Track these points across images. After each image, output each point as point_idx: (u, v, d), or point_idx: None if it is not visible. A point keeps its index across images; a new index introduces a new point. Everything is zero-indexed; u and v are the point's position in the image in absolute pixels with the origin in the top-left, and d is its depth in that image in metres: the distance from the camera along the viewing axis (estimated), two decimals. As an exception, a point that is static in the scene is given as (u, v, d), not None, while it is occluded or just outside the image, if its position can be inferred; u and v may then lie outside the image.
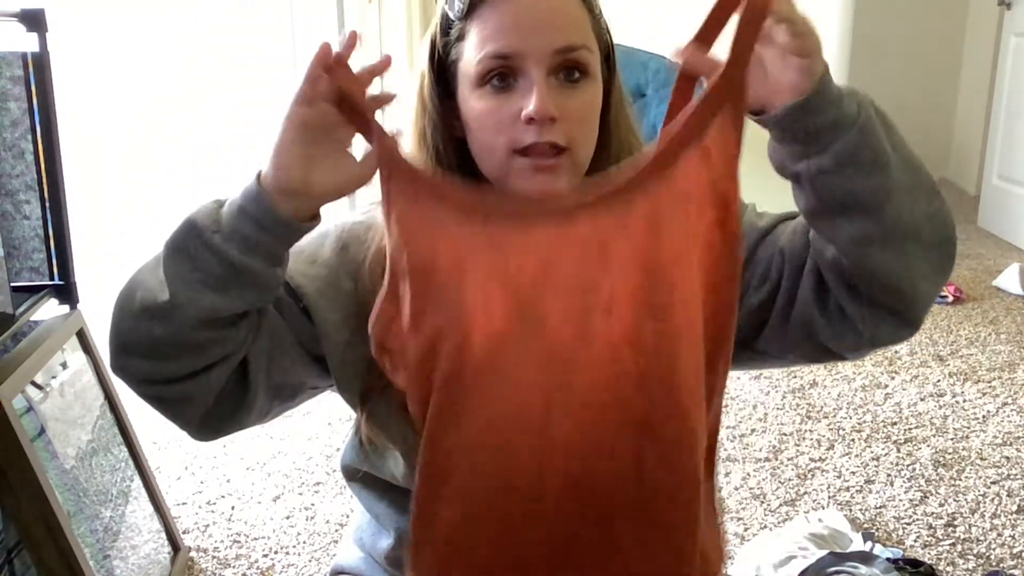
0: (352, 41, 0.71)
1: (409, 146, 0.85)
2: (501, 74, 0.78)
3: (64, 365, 1.41)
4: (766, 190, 0.95)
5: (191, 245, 0.72)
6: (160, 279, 0.73)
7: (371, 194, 0.75)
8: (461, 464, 0.75)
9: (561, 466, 0.74)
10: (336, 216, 0.87)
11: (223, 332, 0.74)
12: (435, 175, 0.78)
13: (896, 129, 0.76)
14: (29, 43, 1.34)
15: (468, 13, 0.79)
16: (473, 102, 0.80)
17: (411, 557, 0.78)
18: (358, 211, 0.90)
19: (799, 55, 0.70)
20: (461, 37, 0.81)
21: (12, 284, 1.31)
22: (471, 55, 0.79)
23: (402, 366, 0.74)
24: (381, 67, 0.73)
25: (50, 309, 1.44)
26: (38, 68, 1.35)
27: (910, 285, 0.77)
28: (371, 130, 0.71)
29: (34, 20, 1.33)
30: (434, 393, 0.74)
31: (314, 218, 0.74)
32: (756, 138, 0.76)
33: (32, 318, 1.37)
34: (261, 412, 0.82)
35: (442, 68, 0.84)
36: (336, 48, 0.70)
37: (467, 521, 0.76)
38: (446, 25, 0.82)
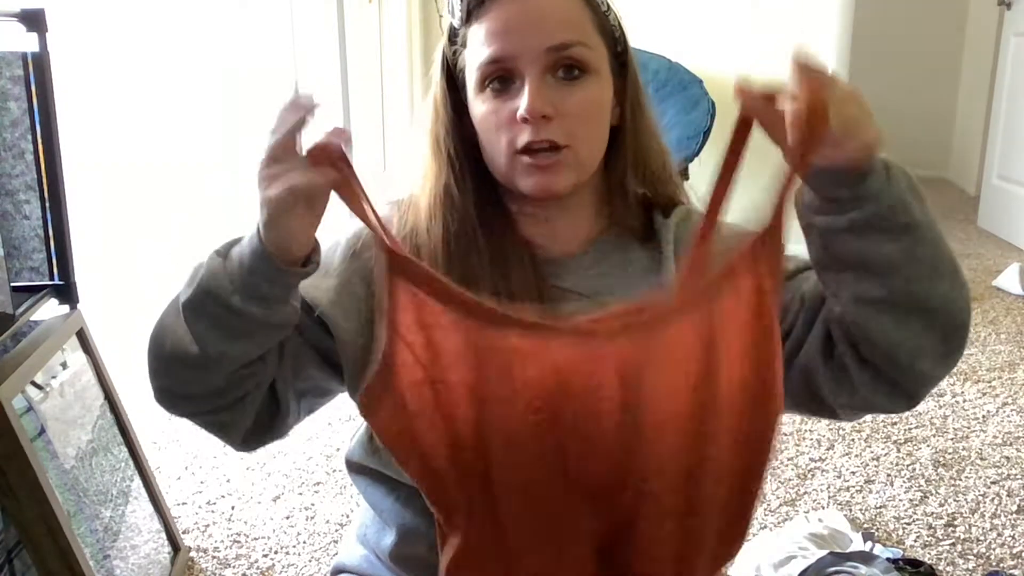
0: (345, 138, 0.71)
1: (424, 150, 0.87)
2: (500, 77, 0.80)
3: (64, 365, 1.41)
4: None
5: (212, 310, 0.74)
6: (186, 330, 0.75)
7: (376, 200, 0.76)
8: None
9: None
10: (343, 225, 0.89)
11: (255, 367, 0.77)
12: (438, 273, 0.76)
13: (927, 205, 0.73)
14: (29, 43, 1.34)
15: (467, 20, 0.82)
16: (477, 106, 0.83)
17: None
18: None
19: (861, 151, 0.68)
20: (464, 44, 0.84)
21: (12, 284, 1.31)
22: (472, 61, 0.82)
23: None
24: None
25: (50, 309, 1.44)
26: (38, 68, 1.35)
27: (907, 358, 0.75)
28: (374, 227, 0.72)
29: (34, 20, 1.33)
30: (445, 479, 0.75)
31: (314, 252, 0.75)
32: (761, 141, 0.75)
33: (32, 318, 1.36)
34: (296, 418, 0.86)
35: (453, 75, 0.87)
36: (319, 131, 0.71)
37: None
38: (452, 33, 0.86)
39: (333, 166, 0.69)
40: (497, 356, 0.72)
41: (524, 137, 0.79)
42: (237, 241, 0.75)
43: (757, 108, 0.69)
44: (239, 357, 0.75)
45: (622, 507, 0.76)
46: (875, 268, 0.72)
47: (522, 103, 0.78)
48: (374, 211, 0.72)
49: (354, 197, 0.71)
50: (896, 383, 0.77)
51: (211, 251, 0.76)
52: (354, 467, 0.99)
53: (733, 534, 0.80)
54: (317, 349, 0.84)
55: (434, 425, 0.73)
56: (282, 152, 0.69)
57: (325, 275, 0.84)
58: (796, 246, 0.84)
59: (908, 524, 1.74)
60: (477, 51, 0.81)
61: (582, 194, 0.87)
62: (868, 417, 2.20)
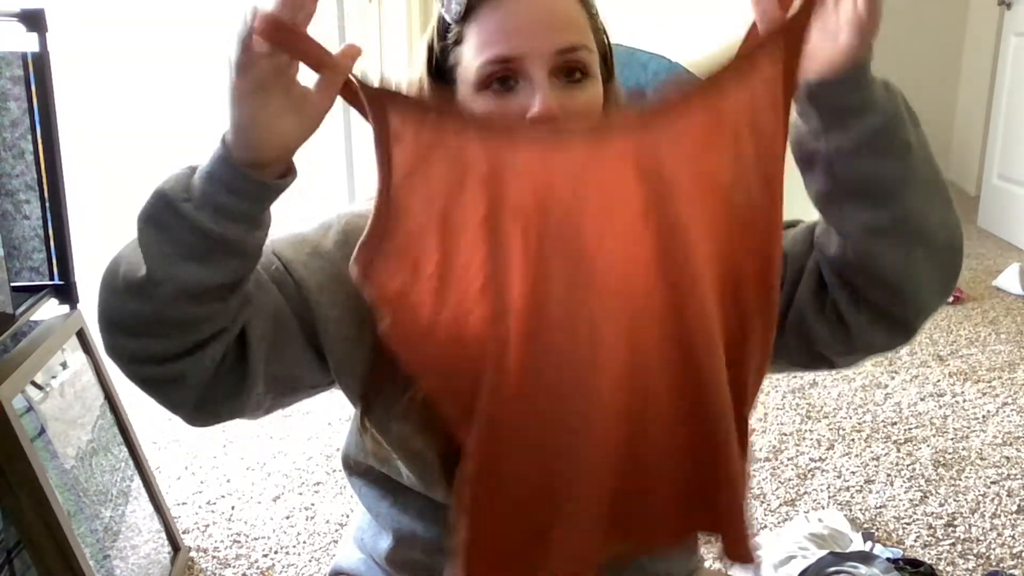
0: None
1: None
2: (503, 77, 0.77)
3: (64, 365, 1.41)
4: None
5: (162, 216, 0.68)
6: (137, 249, 0.70)
7: (371, 187, 0.74)
8: (510, 412, 0.75)
9: (608, 396, 0.76)
10: (337, 208, 0.87)
11: (211, 306, 0.70)
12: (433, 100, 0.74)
13: (921, 129, 0.75)
14: (29, 43, 1.34)
15: (465, 16, 0.79)
16: (475, 105, 0.79)
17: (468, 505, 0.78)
18: (359, 202, 0.89)
19: (859, 34, 0.70)
20: (459, 41, 0.80)
21: (12, 284, 1.31)
22: (470, 59, 0.78)
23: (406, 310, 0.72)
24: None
25: (50, 309, 1.44)
26: (38, 68, 1.35)
27: (912, 289, 0.76)
28: (348, 87, 0.68)
29: (34, 20, 1.33)
30: (465, 343, 0.73)
31: (287, 173, 0.71)
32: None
33: (32, 318, 1.36)
34: (258, 403, 0.80)
35: (440, 72, 0.82)
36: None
37: (521, 467, 0.77)
38: (443, 29, 0.81)
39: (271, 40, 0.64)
40: (513, 169, 0.70)
41: None
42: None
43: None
44: (189, 283, 0.68)
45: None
46: (879, 192, 0.73)
47: (535, 104, 0.76)
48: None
49: (308, 45, 0.66)
50: (895, 318, 0.78)
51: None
52: (350, 465, 0.98)
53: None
54: (301, 325, 0.80)
55: (445, 281, 0.70)
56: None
57: (315, 254, 0.81)
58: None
59: (908, 524, 1.74)
60: (477, 49, 0.78)
61: None
62: (868, 417, 2.20)
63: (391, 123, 0.69)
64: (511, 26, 0.77)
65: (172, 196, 0.68)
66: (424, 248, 0.71)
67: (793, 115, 0.75)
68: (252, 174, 0.67)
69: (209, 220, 0.67)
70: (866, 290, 0.76)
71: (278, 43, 0.64)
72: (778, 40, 0.72)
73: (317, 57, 0.66)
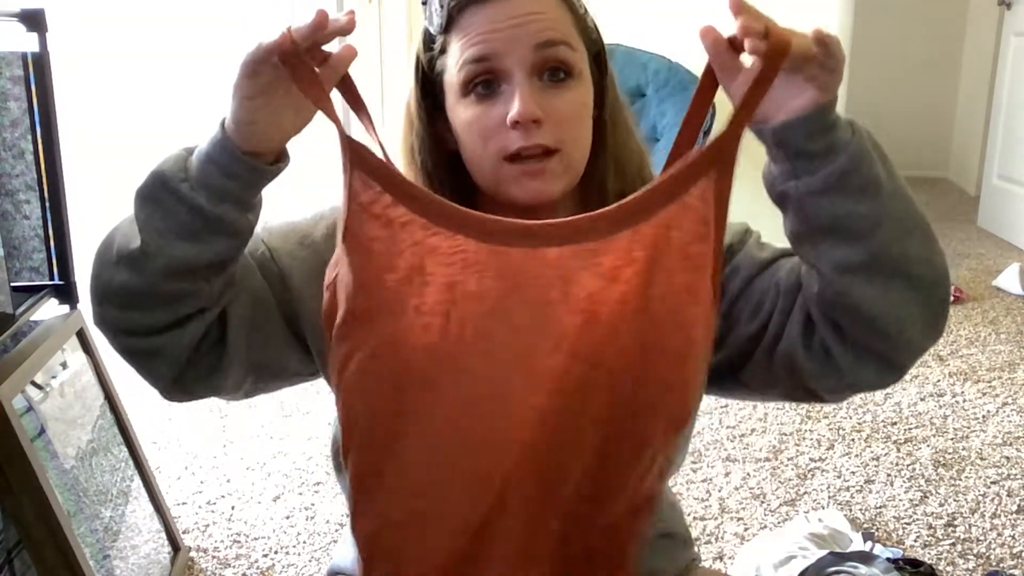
0: (321, 24, 0.68)
1: (400, 162, 0.84)
2: (485, 81, 0.77)
3: (64, 365, 1.41)
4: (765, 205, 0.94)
5: (160, 195, 0.71)
6: (133, 222, 0.73)
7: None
8: (409, 459, 0.74)
9: (517, 457, 0.73)
10: (333, 198, 0.87)
11: (196, 284, 0.73)
12: (402, 176, 0.75)
13: (893, 166, 0.75)
14: (29, 43, 1.34)
15: (447, 26, 0.79)
16: (460, 112, 0.79)
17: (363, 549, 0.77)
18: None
19: (822, 89, 0.70)
20: (444, 50, 0.80)
21: (12, 284, 1.31)
22: (454, 65, 0.79)
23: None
24: (343, 29, 0.70)
25: (50, 309, 1.44)
26: (38, 68, 1.35)
27: (896, 325, 0.75)
28: (336, 118, 0.70)
29: (34, 20, 1.33)
30: (374, 390, 0.73)
31: (280, 159, 0.74)
32: (754, 150, 0.75)
33: (32, 318, 1.36)
34: (236, 383, 0.81)
35: (429, 82, 0.83)
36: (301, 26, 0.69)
37: (416, 515, 0.75)
38: (428, 39, 0.82)
39: (296, 51, 0.68)
40: (441, 257, 0.70)
41: (514, 143, 0.76)
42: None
43: (719, 51, 0.70)
44: (180, 259, 0.71)
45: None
46: (851, 231, 0.72)
47: (513, 106, 0.75)
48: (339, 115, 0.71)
49: (313, 82, 0.69)
50: (883, 356, 0.77)
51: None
52: (336, 462, 0.98)
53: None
54: (282, 311, 0.81)
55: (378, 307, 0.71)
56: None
57: (303, 244, 0.83)
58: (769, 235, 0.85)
59: (908, 524, 1.74)
60: (459, 54, 0.78)
61: (563, 198, 0.84)
62: (868, 417, 2.20)
63: (354, 182, 0.71)
64: (489, 28, 0.77)
65: (170, 176, 0.71)
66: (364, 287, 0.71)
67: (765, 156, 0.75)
68: (249, 160, 0.71)
69: (205, 200, 0.71)
70: (850, 328, 0.75)
71: (288, 64, 0.68)
72: (711, 157, 0.71)
73: (315, 93, 0.69)
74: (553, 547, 0.76)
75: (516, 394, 0.71)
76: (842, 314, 0.75)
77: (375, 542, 0.78)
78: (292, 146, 0.76)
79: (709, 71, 0.73)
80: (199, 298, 0.74)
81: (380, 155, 0.72)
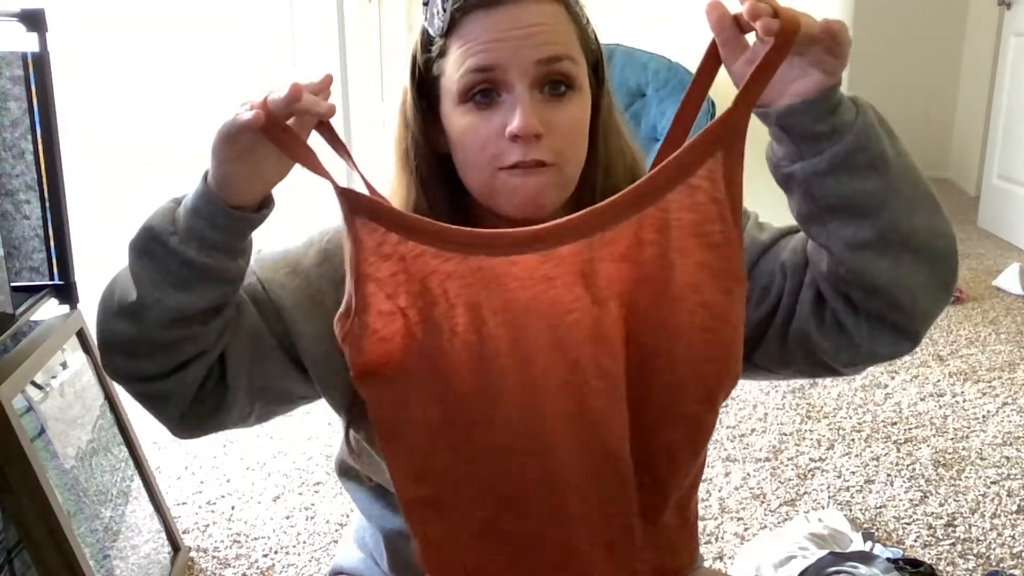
0: (295, 96, 0.68)
1: (392, 164, 0.84)
2: (484, 90, 0.76)
3: (64, 365, 1.41)
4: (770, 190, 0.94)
5: (151, 248, 0.73)
6: (125, 290, 0.74)
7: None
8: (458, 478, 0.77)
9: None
10: (324, 223, 0.87)
11: (193, 329, 0.75)
12: (397, 209, 0.75)
13: (898, 139, 0.75)
14: (29, 43, 1.34)
15: (448, 30, 0.77)
16: (456, 118, 0.78)
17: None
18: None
19: (828, 72, 0.71)
20: (443, 54, 0.79)
21: (12, 284, 1.31)
22: (453, 71, 0.77)
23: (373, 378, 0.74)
24: (321, 87, 0.72)
25: (50, 309, 1.44)
26: (38, 68, 1.34)
27: (909, 297, 0.75)
28: (325, 173, 0.70)
29: (34, 20, 1.33)
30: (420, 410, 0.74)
31: (265, 205, 0.75)
32: (753, 131, 0.75)
33: (32, 318, 1.36)
34: (243, 414, 0.82)
35: (424, 84, 0.82)
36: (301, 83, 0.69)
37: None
38: (427, 41, 0.81)
39: (274, 117, 0.68)
40: (461, 279, 0.72)
41: (513, 156, 0.76)
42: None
43: (724, 27, 0.71)
44: (176, 308, 0.73)
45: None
46: (860, 208, 0.73)
47: (515, 120, 0.74)
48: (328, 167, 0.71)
49: (296, 144, 0.70)
50: (897, 327, 0.77)
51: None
52: (344, 470, 0.99)
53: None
54: (279, 341, 0.81)
55: (407, 356, 0.72)
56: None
57: (294, 273, 0.83)
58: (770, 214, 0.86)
59: (908, 524, 1.74)
60: (459, 61, 0.76)
61: (554, 209, 0.83)
62: (868, 417, 2.21)
63: (359, 230, 0.71)
64: (492, 37, 0.75)
65: (159, 230, 0.73)
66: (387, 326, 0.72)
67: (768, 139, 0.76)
68: (233, 212, 0.72)
69: (194, 252, 0.72)
70: (863, 301, 0.76)
71: (267, 133, 0.69)
72: (717, 137, 0.72)
73: (300, 154, 0.71)
74: (626, 536, 0.80)
75: (555, 391, 0.74)
76: (854, 289, 0.75)
77: (445, 560, 0.80)
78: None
79: (711, 53, 0.74)
80: (198, 342, 0.75)
81: (368, 192, 0.72)
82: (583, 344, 0.73)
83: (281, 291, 0.82)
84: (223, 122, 0.70)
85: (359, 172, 0.72)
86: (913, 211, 0.75)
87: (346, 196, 0.70)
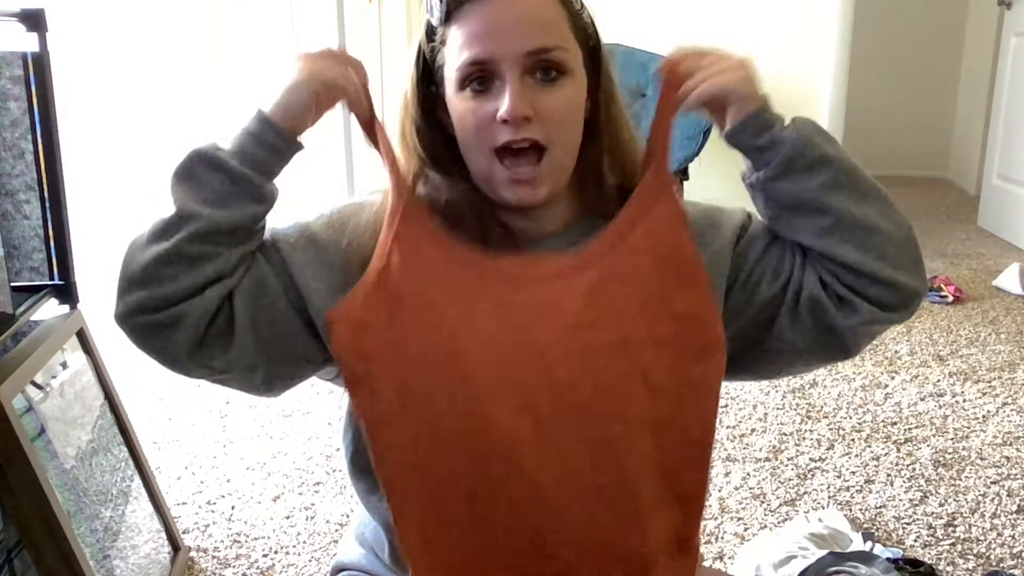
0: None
1: (397, 147, 0.89)
2: (480, 78, 0.83)
3: (64, 365, 1.41)
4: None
5: (195, 168, 0.81)
6: (161, 216, 0.81)
7: (368, 184, 0.82)
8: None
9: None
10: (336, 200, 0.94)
11: (219, 248, 0.80)
12: (439, 222, 0.88)
13: (838, 145, 0.86)
14: (29, 43, 1.34)
15: (447, 19, 0.84)
16: (457, 104, 0.85)
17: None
18: (358, 196, 0.95)
19: (741, 106, 0.84)
20: (444, 42, 0.85)
21: (12, 284, 1.31)
22: (452, 60, 0.84)
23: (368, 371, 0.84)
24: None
25: (50, 309, 1.44)
26: (38, 68, 1.34)
27: (883, 271, 0.84)
28: (392, 163, 0.86)
29: (34, 20, 1.33)
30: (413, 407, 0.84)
31: (300, 143, 0.86)
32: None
33: (32, 318, 1.36)
34: (250, 363, 0.86)
35: (430, 71, 0.88)
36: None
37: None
38: (430, 30, 0.87)
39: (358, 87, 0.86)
40: (490, 298, 0.85)
41: (503, 136, 0.82)
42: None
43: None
44: (211, 221, 0.79)
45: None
46: (813, 202, 0.85)
47: (503, 105, 0.81)
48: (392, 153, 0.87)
49: (374, 127, 0.86)
50: (881, 297, 0.86)
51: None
52: (353, 460, 0.99)
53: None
54: (289, 298, 0.86)
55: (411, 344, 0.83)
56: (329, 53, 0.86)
57: (303, 235, 0.88)
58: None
59: (908, 524, 1.74)
60: (457, 52, 0.83)
61: (558, 193, 0.89)
62: (868, 417, 2.21)
63: (402, 233, 0.85)
64: (484, 30, 0.82)
65: (206, 149, 0.82)
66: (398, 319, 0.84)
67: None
68: (282, 131, 0.83)
69: (237, 163, 0.81)
70: (845, 278, 0.86)
71: (365, 128, 0.89)
72: (651, 189, 0.88)
73: (384, 147, 0.88)
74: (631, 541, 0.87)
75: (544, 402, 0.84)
76: (835, 269, 0.86)
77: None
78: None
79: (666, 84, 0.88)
80: (219, 263, 0.81)
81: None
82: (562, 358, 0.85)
83: (288, 247, 0.87)
84: (320, 62, 0.85)
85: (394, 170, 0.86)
86: (863, 202, 0.85)
87: (407, 203, 0.86)
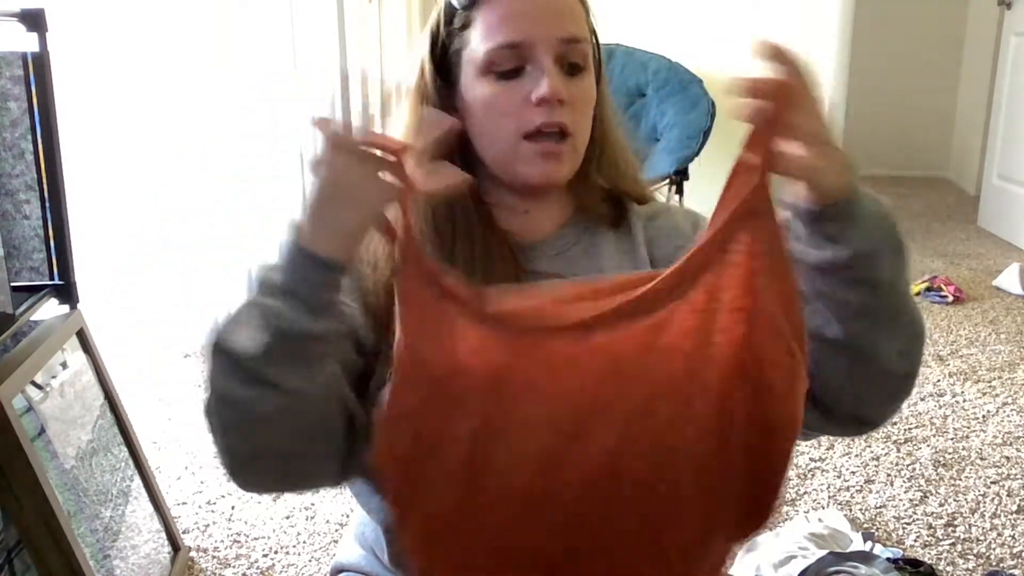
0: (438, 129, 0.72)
1: (403, 136, 0.85)
2: (507, 64, 0.81)
3: (64, 365, 1.41)
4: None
5: (281, 348, 0.68)
6: (246, 392, 0.69)
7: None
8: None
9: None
10: None
11: (327, 388, 0.73)
12: (450, 272, 0.72)
13: (903, 259, 0.72)
14: (29, 43, 1.34)
15: (473, 2, 0.82)
16: (479, 89, 0.83)
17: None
18: None
19: (814, 185, 0.68)
20: (466, 26, 0.83)
21: (12, 284, 1.31)
22: (478, 43, 0.82)
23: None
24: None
25: (50, 309, 1.44)
26: (38, 68, 1.35)
27: (849, 405, 0.80)
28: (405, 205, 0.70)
29: (34, 20, 1.33)
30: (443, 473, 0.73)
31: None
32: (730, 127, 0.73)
33: (32, 318, 1.36)
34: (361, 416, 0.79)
35: (443, 57, 0.86)
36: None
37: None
38: (450, 14, 0.85)
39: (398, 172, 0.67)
40: (513, 353, 0.71)
41: (537, 119, 0.80)
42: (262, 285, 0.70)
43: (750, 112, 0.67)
44: (314, 381, 0.70)
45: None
46: (835, 310, 0.72)
47: (542, 86, 0.79)
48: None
49: (407, 203, 0.69)
50: (846, 419, 0.82)
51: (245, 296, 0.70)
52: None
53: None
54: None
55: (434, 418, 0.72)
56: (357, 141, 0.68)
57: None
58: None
59: (908, 524, 1.74)
60: (485, 34, 0.81)
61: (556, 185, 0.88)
62: (868, 417, 2.21)
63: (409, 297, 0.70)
64: (520, 11, 0.81)
65: (291, 326, 0.68)
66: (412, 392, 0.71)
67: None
68: (336, 263, 0.69)
69: (323, 322, 0.69)
70: (814, 388, 0.74)
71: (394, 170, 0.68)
72: (743, 213, 0.67)
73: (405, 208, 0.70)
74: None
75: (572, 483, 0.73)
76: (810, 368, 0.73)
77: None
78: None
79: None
80: (330, 394, 0.73)
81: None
82: (604, 434, 0.72)
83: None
84: (362, 168, 0.67)
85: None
86: (887, 335, 0.73)
87: (418, 263, 0.70)
